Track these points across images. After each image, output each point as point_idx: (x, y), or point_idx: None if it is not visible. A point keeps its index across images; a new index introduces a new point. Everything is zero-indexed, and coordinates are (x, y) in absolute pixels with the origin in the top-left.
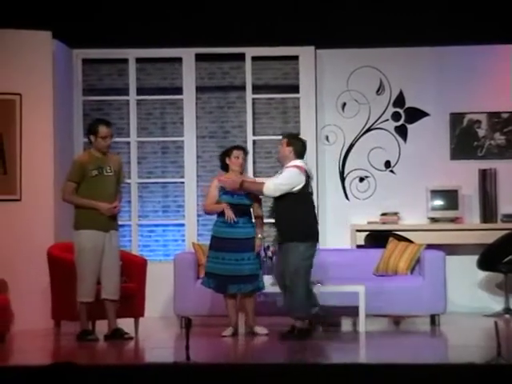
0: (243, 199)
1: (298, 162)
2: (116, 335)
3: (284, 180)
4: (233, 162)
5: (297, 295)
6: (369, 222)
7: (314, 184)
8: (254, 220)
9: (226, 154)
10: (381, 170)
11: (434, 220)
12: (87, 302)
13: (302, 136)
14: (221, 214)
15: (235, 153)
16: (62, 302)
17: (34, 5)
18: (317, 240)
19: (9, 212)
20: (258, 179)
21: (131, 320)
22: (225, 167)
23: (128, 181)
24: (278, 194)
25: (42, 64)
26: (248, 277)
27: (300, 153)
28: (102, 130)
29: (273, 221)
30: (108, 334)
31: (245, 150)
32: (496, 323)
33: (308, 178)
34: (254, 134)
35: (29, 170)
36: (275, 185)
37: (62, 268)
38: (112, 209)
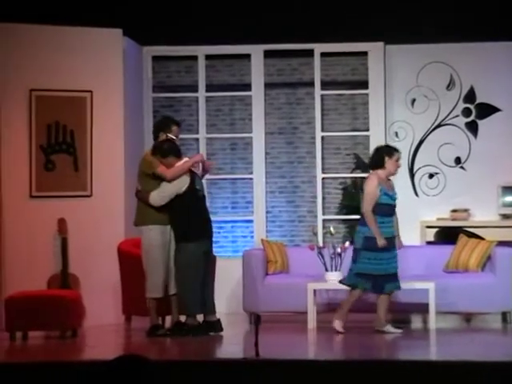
0: (395, 200)
1: (180, 164)
2: (177, 328)
3: (167, 188)
4: (393, 164)
5: (187, 293)
6: (438, 219)
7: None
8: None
9: (387, 153)
10: (451, 167)
11: (505, 216)
12: (157, 298)
13: (370, 132)
14: (380, 214)
15: (398, 155)
16: (133, 297)
17: (105, 3)
18: (206, 237)
19: (80, 208)
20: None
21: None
22: (380, 165)
23: None
24: (164, 202)
25: (113, 61)
26: (397, 274)
27: (177, 153)
28: (174, 129)
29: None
30: (170, 328)
31: None
32: None
33: (193, 175)
34: (323, 130)
35: (99, 166)
36: (159, 196)
37: (132, 263)
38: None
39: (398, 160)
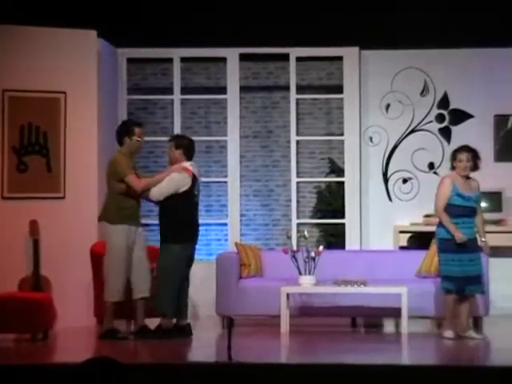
0: (471, 202)
1: (187, 165)
2: (142, 333)
3: (168, 184)
4: (457, 164)
5: (164, 294)
6: (412, 224)
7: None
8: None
9: (452, 156)
10: (424, 172)
11: None
12: (115, 302)
13: (345, 137)
14: (451, 215)
15: (458, 156)
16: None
17: (79, 4)
18: (193, 241)
19: (53, 210)
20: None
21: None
22: (452, 168)
23: None
24: (163, 197)
25: (87, 63)
26: (480, 277)
27: (189, 154)
28: (137, 130)
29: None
30: (135, 331)
31: (473, 151)
32: None
33: (194, 180)
34: (298, 134)
35: (73, 168)
36: (159, 191)
37: None
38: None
39: (460, 160)
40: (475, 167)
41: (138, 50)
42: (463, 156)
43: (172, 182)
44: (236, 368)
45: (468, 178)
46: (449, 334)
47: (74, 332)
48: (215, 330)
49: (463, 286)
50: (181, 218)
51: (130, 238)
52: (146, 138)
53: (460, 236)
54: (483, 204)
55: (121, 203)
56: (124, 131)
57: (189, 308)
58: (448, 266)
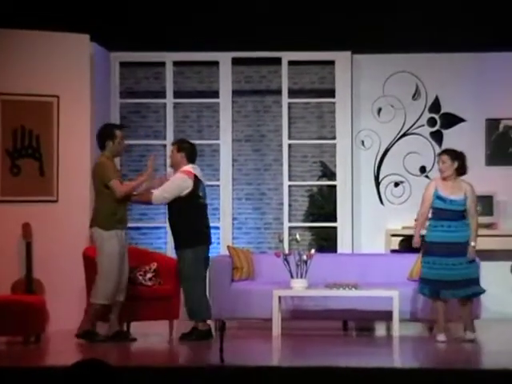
0: (456, 205)
1: (188, 167)
2: (119, 337)
3: (169, 188)
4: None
5: (193, 299)
6: (403, 227)
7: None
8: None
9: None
10: (416, 175)
11: None
12: (104, 305)
13: (337, 141)
14: (435, 218)
15: (437, 158)
16: None
17: (72, 8)
18: (206, 243)
19: (45, 213)
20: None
21: (166, 322)
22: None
23: None
24: (166, 201)
25: (80, 66)
26: (461, 282)
27: (191, 157)
28: (118, 133)
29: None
30: (111, 336)
31: (451, 154)
32: None
33: (197, 182)
34: (290, 138)
35: (66, 171)
36: (162, 196)
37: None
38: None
39: (437, 163)
40: (461, 169)
41: (131, 54)
42: (438, 158)
43: (172, 185)
44: (228, 371)
45: (457, 181)
46: (441, 337)
47: (67, 335)
48: None
49: (437, 289)
50: (186, 222)
51: (121, 242)
52: (139, 142)
53: (415, 241)
54: None
55: (114, 209)
56: (106, 135)
57: (180, 311)
58: (426, 268)
